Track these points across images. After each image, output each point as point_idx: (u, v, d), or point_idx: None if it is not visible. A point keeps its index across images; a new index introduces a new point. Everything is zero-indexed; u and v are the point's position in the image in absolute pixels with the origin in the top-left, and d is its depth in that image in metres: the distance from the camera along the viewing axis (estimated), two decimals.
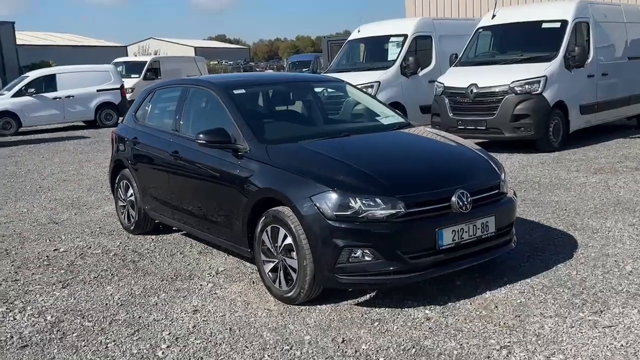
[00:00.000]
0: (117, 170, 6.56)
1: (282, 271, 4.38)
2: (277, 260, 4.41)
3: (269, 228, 4.42)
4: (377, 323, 4.02)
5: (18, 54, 44.27)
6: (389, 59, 13.34)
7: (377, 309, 4.23)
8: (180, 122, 5.59)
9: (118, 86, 19.27)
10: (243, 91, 5.31)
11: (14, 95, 17.85)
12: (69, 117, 18.48)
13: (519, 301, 4.28)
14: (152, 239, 6.23)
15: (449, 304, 4.28)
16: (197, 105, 5.60)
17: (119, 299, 4.66)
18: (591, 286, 4.48)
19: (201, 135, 4.82)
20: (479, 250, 4.42)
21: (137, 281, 5.03)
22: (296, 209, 4.16)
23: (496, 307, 4.21)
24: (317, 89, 5.94)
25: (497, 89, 10.58)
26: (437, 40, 13.54)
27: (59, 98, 18.17)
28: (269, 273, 4.50)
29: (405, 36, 13.22)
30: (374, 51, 14.01)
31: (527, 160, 9.89)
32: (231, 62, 64.69)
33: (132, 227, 6.41)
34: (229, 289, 4.76)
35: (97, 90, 18.81)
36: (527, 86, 10.41)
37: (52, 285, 5.03)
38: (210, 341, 3.87)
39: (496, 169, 4.74)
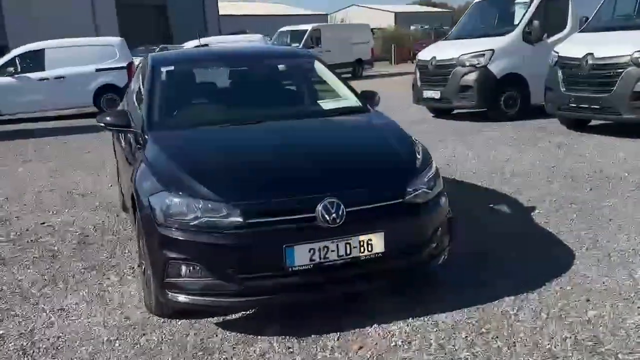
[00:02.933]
0: None
1: (145, 276, 3.91)
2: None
3: None
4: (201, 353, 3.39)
5: (220, 23, 47.46)
6: (514, 23, 11.72)
7: (228, 333, 3.56)
8: (139, 98, 5.27)
9: (123, 64, 17.58)
10: (172, 68, 4.85)
11: None
12: (60, 103, 15.94)
13: (391, 344, 3.35)
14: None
15: (312, 336, 3.47)
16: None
17: (20, 285, 4.53)
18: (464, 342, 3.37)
19: (106, 118, 4.46)
20: (358, 275, 3.53)
21: (61, 266, 4.87)
22: (138, 208, 3.66)
23: (360, 349, 3.33)
24: (273, 65, 5.24)
25: (616, 60, 8.69)
26: (574, 0, 11.54)
27: (47, 79, 16.97)
28: (144, 275, 4.05)
29: None
30: (501, 14, 12.41)
31: (633, 151, 8.05)
32: (427, 27, 62.94)
33: (121, 205, 6.31)
34: (125, 287, 4.38)
35: (97, 70, 17.53)
36: None
37: None
38: (20, 351, 3.53)
39: (406, 172, 3.73)
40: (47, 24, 30.21)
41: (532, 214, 5.56)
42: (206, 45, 18.11)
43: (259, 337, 3.51)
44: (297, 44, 24.42)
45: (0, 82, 14.90)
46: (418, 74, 12.30)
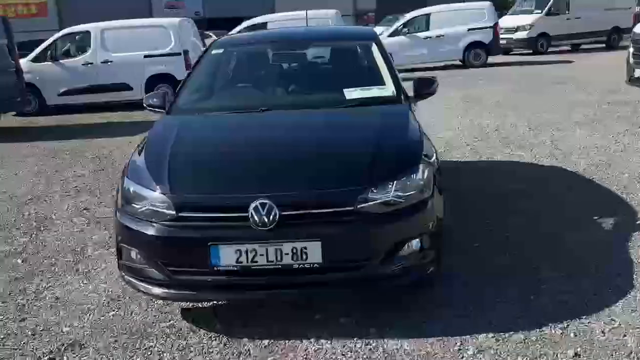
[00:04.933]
0: None
1: None
2: None
3: None
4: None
5: None
6: None
7: (178, 323, 3.60)
8: None
9: (491, 24, 18.50)
10: (220, 51, 4.90)
11: (390, 35, 19.03)
12: (437, 57, 18.64)
13: None
14: None
15: (244, 339, 3.35)
16: None
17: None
18: None
19: (152, 99, 4.69)
20: (290, 284, 3.28)
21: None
22: None
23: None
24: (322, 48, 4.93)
25: None
26: None
27: (430, 37, 18.56)
28: None
29: None
30: None
31: None
32: None
33: None
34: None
35: (468, 30, 18.45)
36: None
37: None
38: None
39: (366, 178, 3.31)
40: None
41: (606, 240, 4.49)
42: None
43: (200, 330, 3.49)
44: (540, 11, 22.49)
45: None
46: (631, 50, 10.53)
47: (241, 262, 3.21)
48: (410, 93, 4.50)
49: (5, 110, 12.37)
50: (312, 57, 5.02)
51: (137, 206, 3.45)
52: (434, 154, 3.78)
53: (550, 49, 22.32)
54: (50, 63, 13.70)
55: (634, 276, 3.81)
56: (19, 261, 4.78)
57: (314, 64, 5.02)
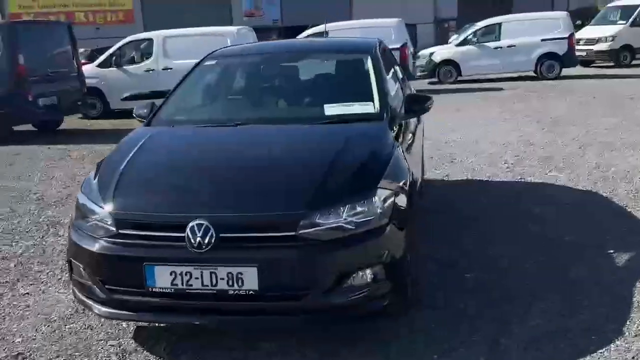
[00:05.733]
0: None
1: None
2: None
3: None
4: None
5: None
6: None
7: (126, 342, 3.50)
8: None
9: (565, 35, 17.58)
10: (213, 62, 4.78)
11: (459, 44, 18.52)
12: (508, 68, 17.88)
13: None
14: None
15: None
16: None
17: None
18: None
19: (140, 109, 4.63)
20: (227, 309, 3.10)
21: None
22: None
23: None
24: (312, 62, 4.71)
25: None
26: None
27: (500, 47, 17.89)
28: None
29: None
30: None
31: None
32: None
33: None
34: None
35: (541, 40, 17.62)
36: None
37: None
38: None
39: (311, 202, 3.08)
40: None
41: (612, 279, 4.00)
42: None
43: (144, 352, 3.39)
44: (624, 22, 21.23)
45: None
46: None
47: (176, 285, 3.07)
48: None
49: (67, 114, 12.86)
50: (303, 70, 4.83)
51: (87, 221, 3.38)
52: (406, 179, 3.50)
53: (634, 62, 21.03)
54: (114, 69, 14.15)
55: (627, 322, 3.38)
56: (12, 265, 4.84)
57: (302, 77, 4.84)
